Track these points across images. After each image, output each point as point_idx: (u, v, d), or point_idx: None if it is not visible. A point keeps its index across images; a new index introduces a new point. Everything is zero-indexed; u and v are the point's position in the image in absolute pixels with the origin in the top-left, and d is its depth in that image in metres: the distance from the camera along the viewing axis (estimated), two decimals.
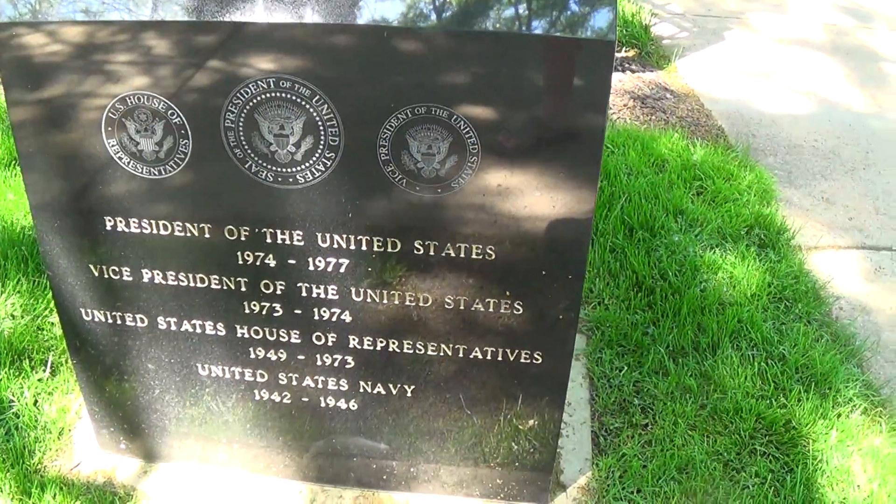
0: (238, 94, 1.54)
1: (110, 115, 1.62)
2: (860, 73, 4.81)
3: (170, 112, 1.59)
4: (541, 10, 1.49)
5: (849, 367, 2.57)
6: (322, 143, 1.57)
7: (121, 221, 1.76)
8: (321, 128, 1.55)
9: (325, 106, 1.53)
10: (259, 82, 1.52)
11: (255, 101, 1.54)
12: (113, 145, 1.65)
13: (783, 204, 3.44)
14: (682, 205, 3.12)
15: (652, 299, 2.69)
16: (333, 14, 1.47)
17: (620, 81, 4.34)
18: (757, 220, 3.12)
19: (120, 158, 1.66)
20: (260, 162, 1.61)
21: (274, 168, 1.61)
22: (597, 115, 1.48)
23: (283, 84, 1.52)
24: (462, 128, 1.51)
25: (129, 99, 1.59)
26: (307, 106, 1.53)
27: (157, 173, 1.67)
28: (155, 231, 1.76)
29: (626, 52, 4.75)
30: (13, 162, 3.38)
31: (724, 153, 3.62)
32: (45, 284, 2.71)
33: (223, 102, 1.56)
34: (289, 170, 1.61)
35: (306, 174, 1.61)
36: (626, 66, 4.58)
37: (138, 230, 1.76)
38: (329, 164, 1.59)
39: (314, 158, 1.59)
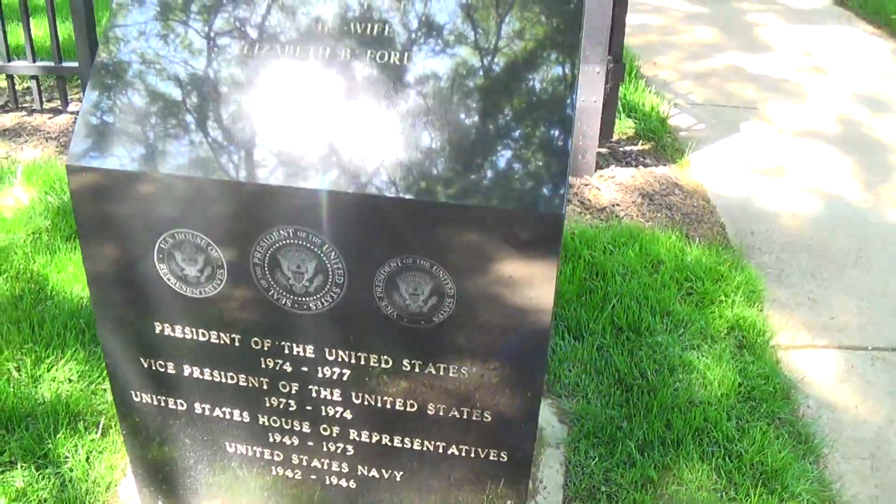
0: (264, 238, 1.93)
1: (161, 245, 2.02)
2: (866, 166, 5.08)
3: (209, 248, 1.99)
4: (503, 176, 1.83)
5: (803, 464, 2.87)
6: (330, 280, 1.95)
7: (167, 327, 2.15)
8: (329, 269, 1.93)
9: (333, 253, 1.91)
10: (281, 231, 1.91)
11: (277, 245, 1.93)
12: (163, 269, 2.05)
13: (769, 304, 3.75)
14: (669, 306, 3.45)
15: (629, 396, 3.02)
16: (346, 176, 1.86)
17: (632, 177, 4.68)
18: (737, 321, 3.44)
19: (168, 279, 2.06)
20: (280, 291, 2.00)
21: (292, 296, 2.00)
22: (547, 269, 1.84)
23: (299, 234, 1.91)
24: (441, 276, 1.88)
25: (178, 234, 1.99)
26: (319, 252, 1.92)
27: (198, 293, 2.06)
28: (195, 337, 2.15)
29: (642, 144, 5.08)
30: (73, 235, 3.80)
31: (719, 253, 3.95)
32: (99, 354, 3.11)
33: (252, 244, 1.95)
34: (303, 299, 1.99)
35: (317, 303, 1.99)
36: (641, 159, 4.92)
37: (181, 335, 2.15)
38: (335, 297, 1.97)
39: (323, 292, 1.97)
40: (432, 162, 1.86)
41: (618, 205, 4.41)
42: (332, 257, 1.92)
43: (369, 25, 1.97)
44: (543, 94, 1.87)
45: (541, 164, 1.82)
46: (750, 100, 5.97)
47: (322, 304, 2.00)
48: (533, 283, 1.87)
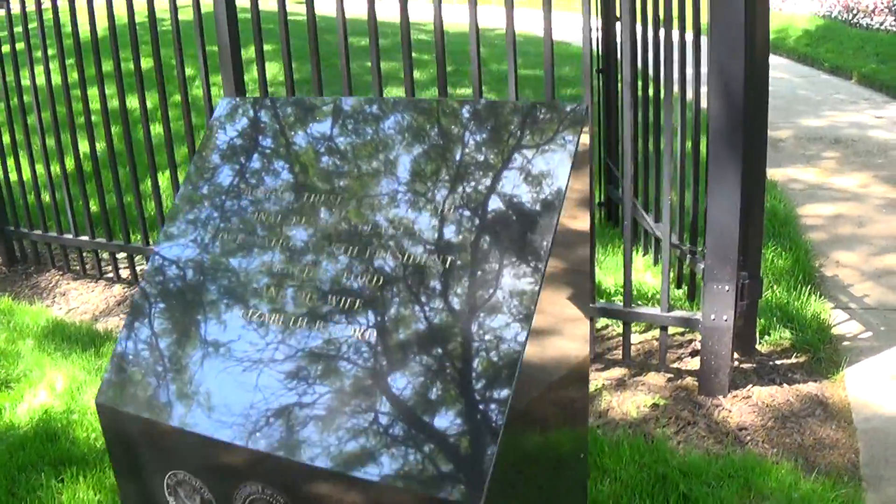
0: (240, 489, 2.11)
1: (168, 481, 2.24)
2: None
3: (202, 489, 2.19)
4: (430, 460, 1.93)
5: None
6: None
7: None
8: None
9: None
10: (253, 485, 2.09)
11: (251, 496, 2.11)
12: (171, 500, 2.27)
13: None
14: None
15: None
16: (290, 446, 2.01)
17: (771, 396, 4.48)
18: None
19: None
20: None
21: None
22: None
23: (266, 490, 2.07)
24: None
25: (178, 475, 2.21)
26: None
27: None
28: None
29: (796, 357, 4.85)
30: None
31: (834, 487, 3.72)
32: None
33: (233, 492, 2.13)
34: None
35: None
36: (789, 375, 4.68)
37: None
38: None
39: None
40: (371, 441, 1.99)
41: (745, 429, 4.25)
42: None
43: (344, 299, 2.16)
44: (480, 386, 1.96)
45: (466, 454, 1.90)
46: None
47: None
48: None
